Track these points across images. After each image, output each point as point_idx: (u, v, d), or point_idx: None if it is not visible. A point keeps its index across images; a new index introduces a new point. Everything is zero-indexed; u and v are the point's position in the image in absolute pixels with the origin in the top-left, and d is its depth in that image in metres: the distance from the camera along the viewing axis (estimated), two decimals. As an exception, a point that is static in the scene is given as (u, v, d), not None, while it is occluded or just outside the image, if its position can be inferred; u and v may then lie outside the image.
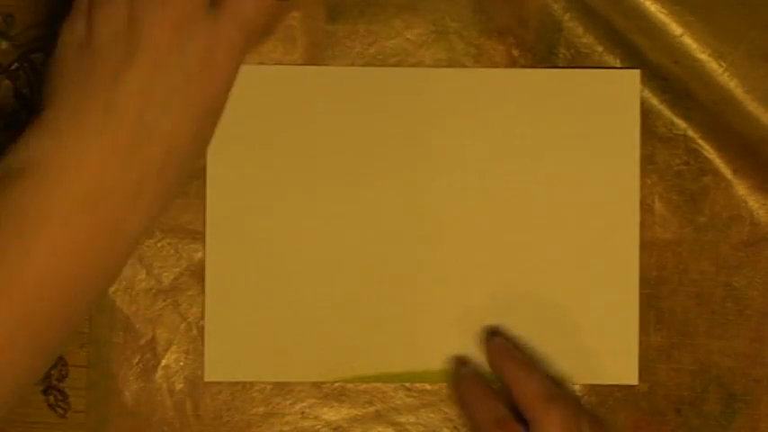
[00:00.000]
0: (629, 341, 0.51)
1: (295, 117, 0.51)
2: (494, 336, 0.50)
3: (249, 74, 0.50)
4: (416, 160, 0.51)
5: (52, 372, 0.51)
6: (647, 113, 0.52)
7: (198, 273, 0.52)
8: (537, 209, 0.51)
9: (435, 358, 0.51)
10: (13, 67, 0.51)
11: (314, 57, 0.52)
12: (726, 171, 0.52)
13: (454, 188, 0.51)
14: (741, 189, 0.52)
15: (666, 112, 0.51)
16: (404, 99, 0.51)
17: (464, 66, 0.52)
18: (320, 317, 0.51)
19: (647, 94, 0.52)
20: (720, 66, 0.48)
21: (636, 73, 0.51)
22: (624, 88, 0.51)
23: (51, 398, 0.52)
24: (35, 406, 0.52)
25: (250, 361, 0.51)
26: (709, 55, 0.48)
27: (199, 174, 0.52)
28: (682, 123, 0.52)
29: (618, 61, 0.52)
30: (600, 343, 0.51)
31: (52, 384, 0.52)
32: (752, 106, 0.48)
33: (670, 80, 0.51)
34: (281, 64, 0.52)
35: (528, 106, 0.51)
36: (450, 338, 0.51)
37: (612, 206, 0.51)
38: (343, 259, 0.51)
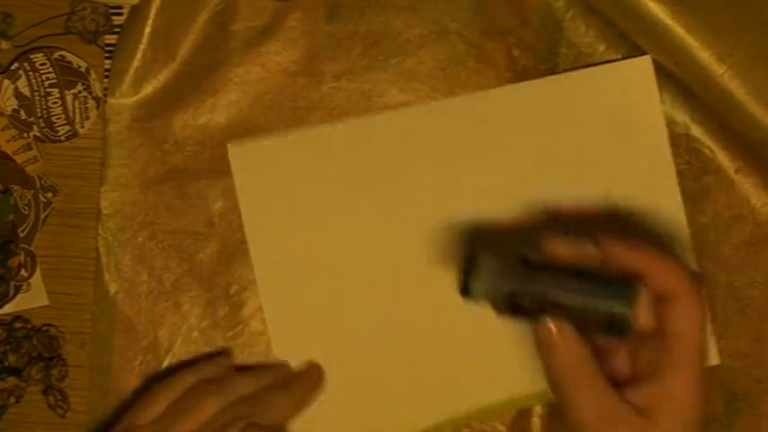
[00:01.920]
0: None
1: (315, 176, 0.52)
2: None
3: (267, 149, 0.51)
4: (448, 190, 0.52)
5: (52, 372, 0.52)
6: (648, 113, 0.52)
7: (199, 274, 0.52)
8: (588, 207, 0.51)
9: (493, 390, 0.51)
10: (13, 67, 0.52)
11: (314, 57, 0.52)
12: (728, 170, 0.52)
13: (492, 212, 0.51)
14: (743, 188, 0.52)
15: (668, 111, 0.52)
16: (420, 136, 0.52)
17: (465, 66, 0.52)
18: (371, 375, 0.52)
19: (649, 93, 0.52)
20: (721, 67, 0.48)
21: (647, 58, 0.51)
22: (640, 75, 0.51)
23: (51, 398, 0.52)
24: (35, 406, 0.53)
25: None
26: (710, 56, 0.48)
27: (202, 175, 0.52)
28: (683, 123, 0.52)
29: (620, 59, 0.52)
30: None
31: (52, 384, 0.52)
32: (753, 108, 0.48)
33: (672, 78, 0.51)
34: (282, 65, 0.52)
35: (553, 114, 0.51)
36: (503, 366, 0.51)
37: (654, 191, 0.51)
38: (390, 318, 0.52)
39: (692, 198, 0.52)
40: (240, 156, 0.52)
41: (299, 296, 0.52)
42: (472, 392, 0.51)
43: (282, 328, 0.52)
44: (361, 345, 0.52)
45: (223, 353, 0.52)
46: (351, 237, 0.52)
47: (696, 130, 0.52)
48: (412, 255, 0.52)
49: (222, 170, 0.52)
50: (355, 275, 0.52)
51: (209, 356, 0.51)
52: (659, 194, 0.51)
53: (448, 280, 0.50)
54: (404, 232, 0.52)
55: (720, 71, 0.48)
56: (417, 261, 0.52)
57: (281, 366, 0.51)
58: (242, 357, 0.52)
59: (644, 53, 0.51)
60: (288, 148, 0.52)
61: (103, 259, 0.52)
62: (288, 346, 0.51)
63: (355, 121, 0.52)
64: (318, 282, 0.52)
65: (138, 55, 0.52)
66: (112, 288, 0.52)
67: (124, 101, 0.52)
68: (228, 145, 0.52)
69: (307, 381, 0.50)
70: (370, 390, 0.51)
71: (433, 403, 0.51)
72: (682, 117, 0.52)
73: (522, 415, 0.52)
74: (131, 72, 0.52)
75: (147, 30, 0.52)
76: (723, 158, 0.52)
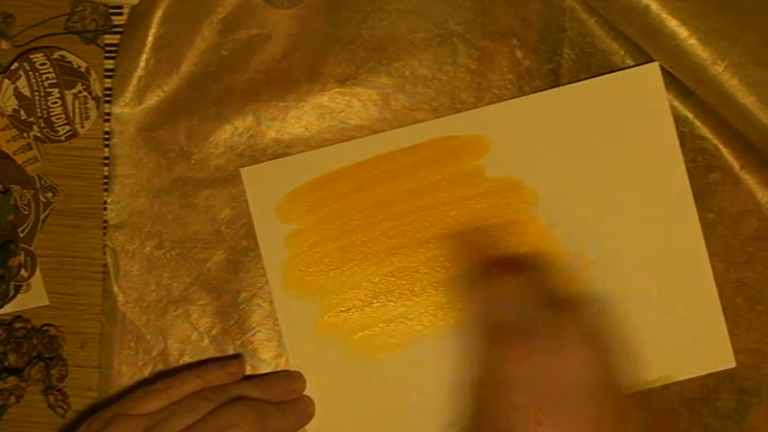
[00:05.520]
0: (718, 329, 0.52)
1: (326, 190, 0.53)
2: None
3: (278, 170, 0.53)
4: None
5: (52, 372, 0.52)
6: (652, 111, 0.52)
7: (207, 282, 0.52)
8: (602, 218, 0.52)
9: None
10: (13, 67, 0.52)
11: (318, 63, 0.53)
12: (733, 167, 0.52)
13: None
14: (748, 184, 0.53)
15: (672, 109, 0.52)
16: (429, 150, 0.53)
17: (468, 68, 0.52)
18: None
19: (653, 91, 0.52)
20: (717, 70, 0.48)
21: (655, 65, 0.52)
22: (648, 81, 0.52)
23: (51, 398, 0.53)
24: (35, 406, 0.53)
25: None
26: (706, 59, 0.48)
27: (208, 184, 0.52)
28: (687, 120, 0.52)
29: (622, 59, 0.52)
30: (691, 338, 0.52)
31: (52, 384, 0.53)
32: (750, 109, 0.48)
33: (675, 77, 0.51)
34: (286, 72, 0.52)
35: (566, 123, 0.52)
36: None
37: (667, 197, 0.52)
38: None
39: (698, 195, 0.52)
40: (253, 177, 0.52)
41: (315, 311, 0.53)
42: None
43: (297, 343, 0.52)
44: (374, 356, 0.53)
45: (235, 358, 0.52)
46: (364, 247, 0.52)
47: (700, 128, 0.52)
48: (422, 266, 0.52)
49: (228, 178, 0.53)
50: (369, 286, 0.52)
51: (221, 360, 0.52)
52: (672, 196, 0.52)
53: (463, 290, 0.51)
54: (415, 236, 0.52)
55: (717, 73, 0.48)
56: (427, 273, 0.52)
57: (285, 382, 0.52)
58: (252, 363, 0.52)
59: (645, 54, 0.52)
60: (298, 167, 0.53)
61: (111, 269, 0.53)
62: (302, 360, 0.52)
63: (359, 141, 0.53)
64: (333, 294, 0.53)
65: (142, 64, 0.53)
66: (121, 298, 0.52)
67: (128, 110, 0.53)
68: (241, 169, 0.53)
69: (300, 409, 0.51)
70: (381, 404, 0.52)
71: (444, 417, 0.52)
72: (686, 114, 0.52)
73: None
74: (135, 81, 0.53)
75: (150, 39, 0.52)
76: (728, 155, 0.53)
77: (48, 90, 0.52)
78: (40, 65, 0.52)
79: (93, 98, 0.53)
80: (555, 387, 0.42)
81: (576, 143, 0.52)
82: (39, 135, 0.53)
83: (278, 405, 0.49)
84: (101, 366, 0.52)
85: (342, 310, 0.52)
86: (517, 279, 0.48)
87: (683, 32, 0.48)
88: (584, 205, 0.52)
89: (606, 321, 0.50)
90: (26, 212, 0.53)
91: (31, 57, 0.52)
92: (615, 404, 0.43)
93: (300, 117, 0.53)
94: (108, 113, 0.53)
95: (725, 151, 0.52)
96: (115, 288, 0.53)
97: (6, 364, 0.52)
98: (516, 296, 0.46)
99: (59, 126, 0.53)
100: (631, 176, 0.52)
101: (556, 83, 0.53)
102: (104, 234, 0.53)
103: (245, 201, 0.53)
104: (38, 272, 0.53)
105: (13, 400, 0.53)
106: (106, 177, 0.53)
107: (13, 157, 0.53)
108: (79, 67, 0.53)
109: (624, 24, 0.51)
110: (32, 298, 0.53)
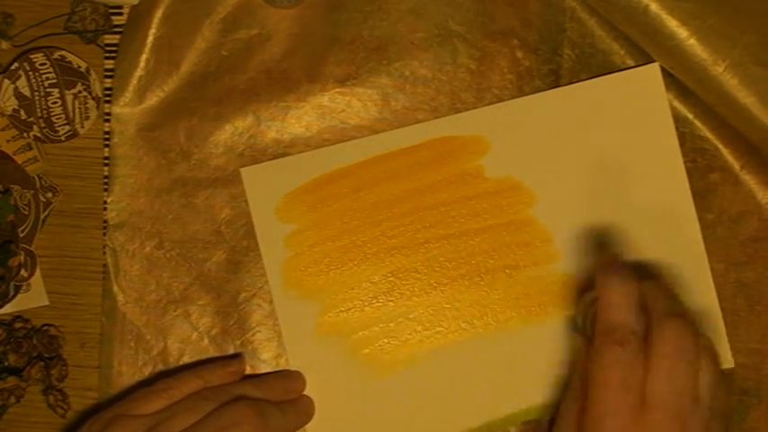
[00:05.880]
0: (717, 329, 0.52)
1: (325, 190, 0.53)
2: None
3: (278, 170, 0.53)
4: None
5: (52, 372, 0.52)
6: (652, 112, 0.52)
7: (207, 282, 0.52)
8: (601, 219, 0.52)
9: (533, 393, 0.52)
10: (13, 67, 0.52)
11: (318, 63, 0.53)
12: (733, 167, 0.53)
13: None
14: (748, 185, 0.53)
15: (672, 109, 0.52)
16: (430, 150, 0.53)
17: (468, 69, 0.53)
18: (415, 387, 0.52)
19: (652, 92, 0.52)
20: (717, 70, 0.48)
21: (655, 66, 0.52)
22: (649, 82, 0.52)
23: (51, 398, 0.53)
24: (35, 406, 0.54)
25: None
26: (706, 59, 0.48)
27: (208, 184, 0.52)
28: (687, 121, 0.52)
29: (622, 59, 0.52)
30: None
31: (52, 384, 0.53)
32: (751, 109, 0.49)
33: (675, 77, 0.51)
34: (286, 72, 0.52)
35: (566, 123, 0.52)
36: (540, 368, 0.52)
37: (667, 197, 0.52)
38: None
39: (698, 196, 0.52)
40: (253, 177, 0.52)
41: (315, 312, 0.53)
42: (481, 408, 0.52)
43: (297, 343, 0.52)
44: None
45: (236, 358, 0.52)
46: (364, 247, 0.53)
47: (700, 128, 0.52)
48: (422, 266, 0.53)
49: (228, 178, 0.53)
50: (369, 286, 0.53)
51: (221, 360, 0.52)
52: (672, 196, 0.52)
53: (461, 293, 0.52)
54: (415, 236, 0.52)
55: (717, 74, 0.48)
56: (427, 273, 0.53)
57: (285, 382, 0.52)
58: (252, 363, 0.53)
59: (645, 55, 0.52)
60: (298, 167, 0.53)
61: (111, 269, 0.53)
62: (302, 360, 0.52)
63: (359, 141, 0.53)
64: (333, 294, 0.53)
65: (142, 64, 0.53)
66: (121, 298, 0.52)
67: (128, 110, 0.53)
68: (241, 169, 0.53)
69: (300, 408, 0.51)
70: (382, 403, 0.52)
71: (443, 419, 0.52)
72: (686, 114, 0.52)
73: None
74: (135, 81, 0.53)
75: (150, 39, 0.53)
76: (728, 156, 0.53)
77: (48, 90, 0.52)
78: (40, 65, 0.52)
79: (93, 98, 0.53)
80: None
81: (576, 143, 0.52)
82: (39, 135, 0.53)
83: (278, 405, 0.49)
84: (101, 366, 0.53)
85: (342, 311, 0.52)
86: (638, 285, 0.45)
87: (683, 32, 0.48)
88: (583, 206, 0.52)
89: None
90: (26, 212, 0.53)
91: (31, 57, 0.52)
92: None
93: (300, 117, 0.53)
94: (108, 113, 0.53)
95: (725, 151, 0.53)
96: (115, 288, 0.53)
97: (6, 364, 0.52)
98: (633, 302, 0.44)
99: (59, 126, 0.53)
100: (631, 177, 0.52)
101: (556, 83, 0.53)
102: (104, 234, 0.53)
103: (245, 201, 0.53)
104: (38, 272, 0.53)
105: (13, 400, 0.53)
106: (106, 177, 0.53)
107: (13, 157, 0.53)
108: (79, 67, 0.53)
109: (624, 24, 0.51)
110: (32, 298, 0.53)
